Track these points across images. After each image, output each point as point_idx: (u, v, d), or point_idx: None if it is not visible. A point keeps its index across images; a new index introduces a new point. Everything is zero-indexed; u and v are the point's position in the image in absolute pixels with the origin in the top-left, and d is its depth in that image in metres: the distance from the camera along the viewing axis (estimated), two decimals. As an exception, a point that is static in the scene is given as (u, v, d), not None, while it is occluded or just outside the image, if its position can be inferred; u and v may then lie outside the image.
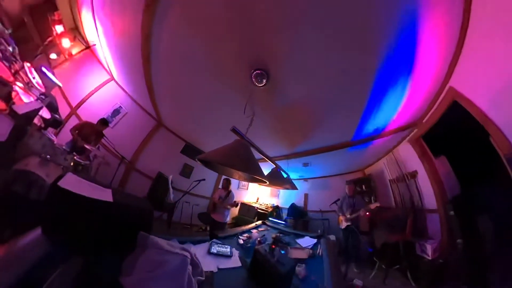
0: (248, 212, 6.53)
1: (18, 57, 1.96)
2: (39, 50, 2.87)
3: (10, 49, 1.85)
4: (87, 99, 4.47)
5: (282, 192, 7.15)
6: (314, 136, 3.74)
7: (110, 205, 0.92)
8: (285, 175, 2.66)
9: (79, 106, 4.38)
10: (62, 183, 0.79)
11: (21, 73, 1.92)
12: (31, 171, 1.31)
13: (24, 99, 1.82)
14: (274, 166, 2.40)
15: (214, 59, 2.44)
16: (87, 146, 3.04)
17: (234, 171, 1.57)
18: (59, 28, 3.24)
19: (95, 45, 4.01)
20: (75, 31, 3.95)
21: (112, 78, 4.79)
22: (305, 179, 6.53)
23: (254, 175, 1.24)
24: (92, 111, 4.37)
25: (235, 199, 3.95)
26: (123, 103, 4.97)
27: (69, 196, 0.78)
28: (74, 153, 2.50)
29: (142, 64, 3.09)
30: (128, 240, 0.93)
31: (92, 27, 3.55)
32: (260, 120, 3.20)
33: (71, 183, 0.83)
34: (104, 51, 3.97)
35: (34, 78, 2.30)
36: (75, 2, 3.37)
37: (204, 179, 3.99)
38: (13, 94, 1.68)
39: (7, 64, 1.71)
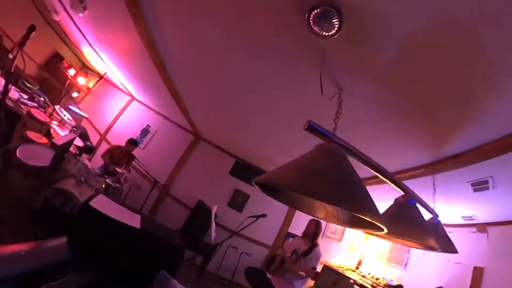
0: None
1: (49, 103, 3.10)
2: (63, 94, 4.48)
3: (42, 99, 2.95)
4: (113, 124, 5.81)
5: (417, 255, 4.18)
6: (492, 106, 1.67)
7: (136, 232, 1.04)
8: (427, 215, 1.68)
9: (107, 132, 5.77)
10: (93, 203, 1.06)
11: (54, 114, 3.03)
12: (67, 189, 2.10)
13: (60, 133, 2.83)
14: (402, 192, 1.49)
15: (241, 25, 1.86)
16: (118, 169, 4.05)
17: (318, 204, 1.14)
18: (71, 72, 4.86)
19: (106, 73, 5.29)
20: (85, 68, 5.52)
21: (133, 98, 5.95)
22: (480, 227, 3.28)
23: (358, 212, 0.81)
24: (121, 135, 5.48)
25: (319, 263, 2.84)
26: (151, 121, 5.72)
27: (98, 216, 1.02)
28: (106, 176, 3.41)
29: (157, 72, 3.23)
30: (145, 274, 0.98)
31: (97, 59, 4.60)
32: (356, 99, 2.01)
33: (101, 203, 1.08)
34: (116, 75, 5.05)
35: (65, 115, 3.48)
36: (73, 46, 4.64)
37: (264, 215, 3.31)
38: (52, 130, 2.69)
39: (42, 110, 2.74)
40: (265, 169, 5.21)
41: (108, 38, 3.51)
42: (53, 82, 4.62)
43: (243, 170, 5.26)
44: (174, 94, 3.78)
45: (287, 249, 3.09)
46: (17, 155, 1.86)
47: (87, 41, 4.06)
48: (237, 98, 3.04)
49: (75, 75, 5.00)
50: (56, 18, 3.52)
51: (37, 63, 4.35)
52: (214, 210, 3.88)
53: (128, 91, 5.81)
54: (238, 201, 5.12)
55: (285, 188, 1.02)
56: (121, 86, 5.80)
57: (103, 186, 3.12)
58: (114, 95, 6.06)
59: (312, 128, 1.08)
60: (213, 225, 3.72)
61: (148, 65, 3.22)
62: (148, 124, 5.70)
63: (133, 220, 1.13)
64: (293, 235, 4.99)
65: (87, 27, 3.61)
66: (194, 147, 5.42)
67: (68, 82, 4.72)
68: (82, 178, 2.61)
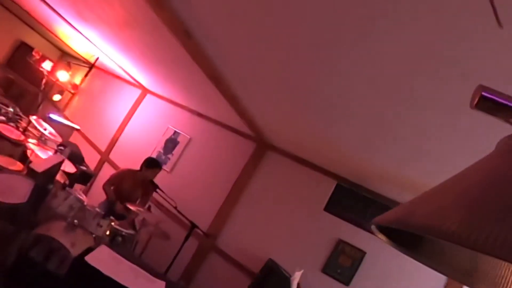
0: None
1: (21, 114, 3.55)
2: (39, 98, 4.94)
3: (11, 109, 3.39)
4: (119, 136, 6.29)
5: None
6: None
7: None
8: None
9: (111, 149, 6.24)
10: (91, 258, 1.18)
11: (30, 128, 3.47)
12: (53, 237, 2.39)
13: (41, 155, 3.20)
14: None
15: None
16: (130, 207, 4.41)
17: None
18: (47, 65, 5.43)
19: (98, 58, 5.84)
20: (67, 57, 6.15)
21: (146, 91, 6.36)
22: None
23: None
24: (132, 151, 5.88)
25: None
26: (179, 124, 5.87)
27: (97, 278, 1.10)
28: (112, 217, 3.64)
29: (180, 44, 3.21)
30: None
31: (82, 40, 5.06)
32: None
33: (104, 259, 1.21)
34: (114, 58, 5.50)
35: (45, 129, 3.92)
36: (44, 29, 5.04)
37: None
38: (29, 152, 3.11)
39: (13, 124, 3.15)
40: (397, 200, 4.70)
41: (93, 7, 3.82)
42: (23, 84, 5.35)
43: (352, 201, 4.82)
44: (213, 75, 3.74)
45: None
46: (-18, 189, 2.24)
47: (63, 18, 4.53)
48: (328, 60, 2.45)
49: (53, 69, 5.68)
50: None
51: (-3, 61, 5.00)
52: (296, 278, 3.75)
53: (137, 81, 6.20)
54: (342, 263, 4.69)
55: (440, 237, 0.79)
56: (124, 75, 6.26)
57: (108, 232, 3.43)
58: (116, 89, 6.64)
59: (489, 102, 0.88)
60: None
61: (162, 37, 3.34)
62: (175, 131, 5.86)
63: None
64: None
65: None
66: (257, 164, 5.27)
67: (44, 81, 5.37)
68: (76, 221, 2.92)
